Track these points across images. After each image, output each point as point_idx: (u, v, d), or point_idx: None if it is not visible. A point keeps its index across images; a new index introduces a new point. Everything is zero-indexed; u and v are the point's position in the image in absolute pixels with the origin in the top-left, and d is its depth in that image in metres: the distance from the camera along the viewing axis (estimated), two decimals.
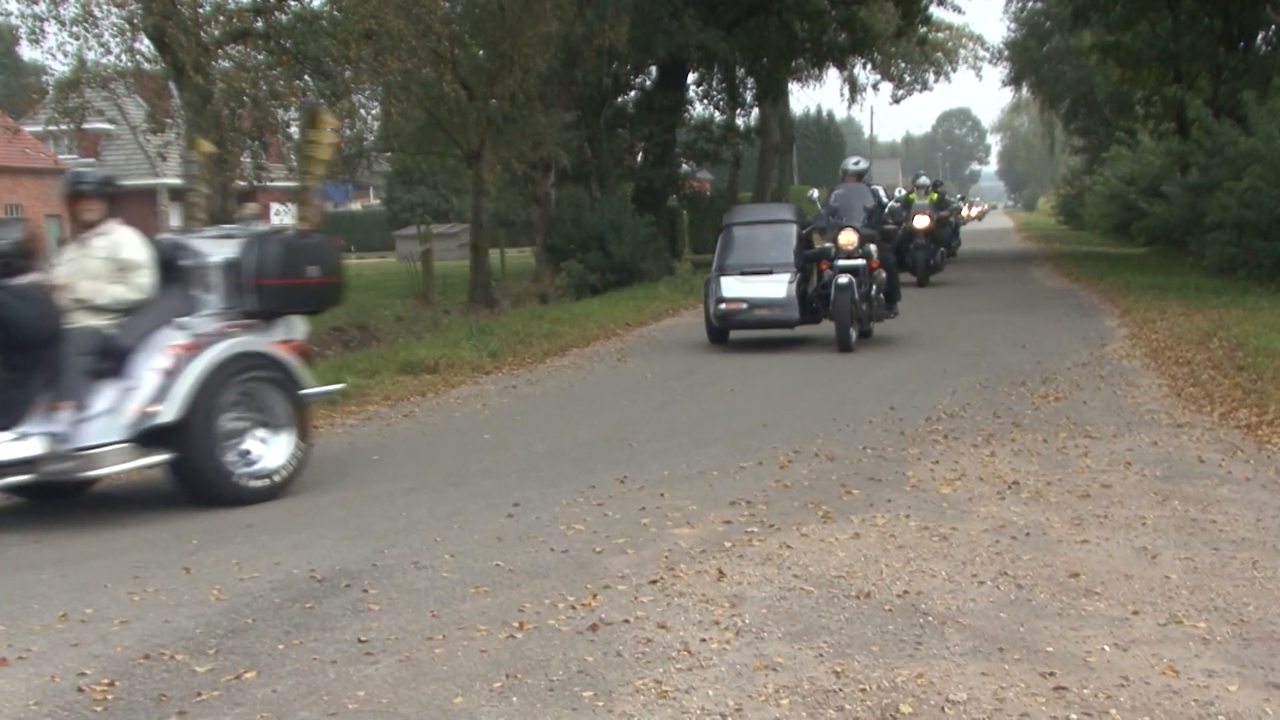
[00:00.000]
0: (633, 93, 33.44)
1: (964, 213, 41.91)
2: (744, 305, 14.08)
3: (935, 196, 24.26)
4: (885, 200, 15.12)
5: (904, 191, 23.44)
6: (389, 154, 34.41)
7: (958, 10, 49.97)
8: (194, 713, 4.06)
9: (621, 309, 20.02)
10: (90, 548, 6.34)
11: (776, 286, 14.03)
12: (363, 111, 20.69)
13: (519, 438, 9.24)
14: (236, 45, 16.18)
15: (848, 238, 13.63)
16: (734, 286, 14.17)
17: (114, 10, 15.68)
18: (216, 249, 7.75)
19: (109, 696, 4.22)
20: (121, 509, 7.28)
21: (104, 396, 6.94)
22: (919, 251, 22.55)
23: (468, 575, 5.54)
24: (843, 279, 13.40)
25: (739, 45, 33.39)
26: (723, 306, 14.17)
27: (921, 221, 22.47)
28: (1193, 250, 24.92)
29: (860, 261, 13.69)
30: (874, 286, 14.17)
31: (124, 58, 16.21)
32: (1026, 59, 52.01)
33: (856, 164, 15.20)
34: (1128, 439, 8.36)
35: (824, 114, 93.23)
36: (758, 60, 36.42)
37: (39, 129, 39.65)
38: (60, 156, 50.18)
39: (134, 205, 55.69)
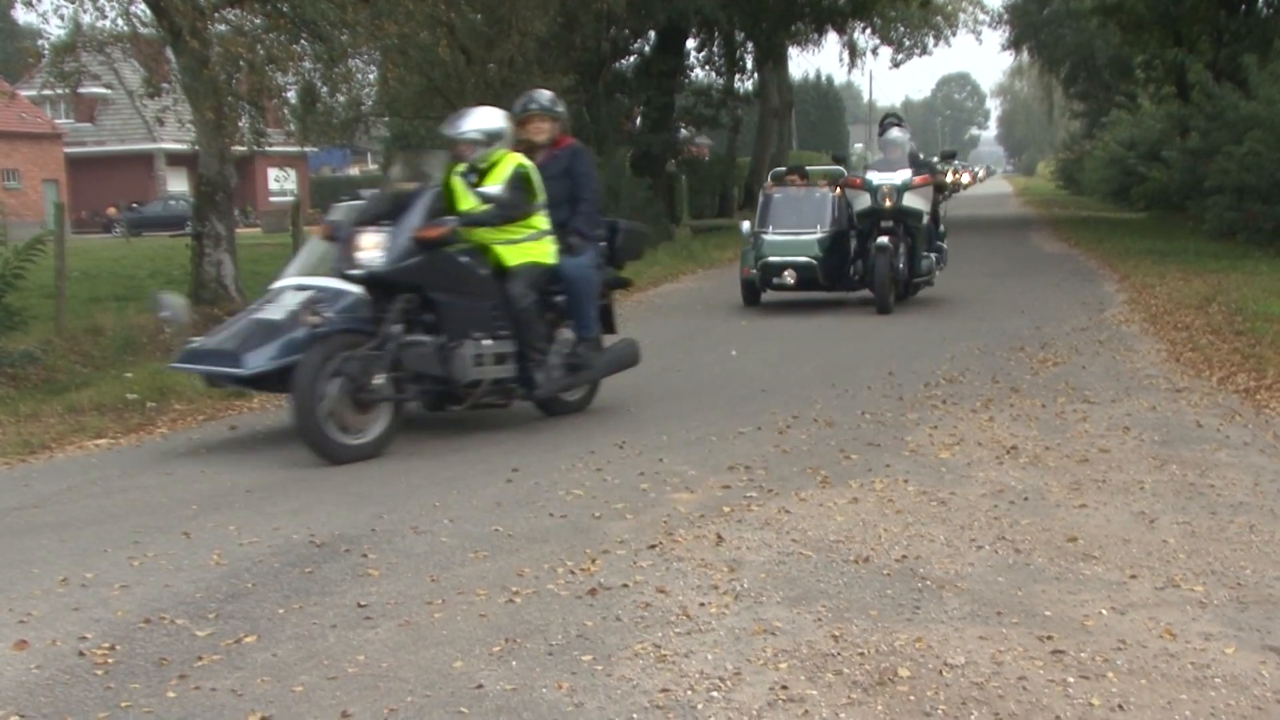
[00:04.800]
0: (631, 57, 33.31)
1: (950, 178, 30.35)
2: None
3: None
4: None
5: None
6: (386, 119, 34.22)
7: None
8: (194, 676, 4.07)
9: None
10: (89, 513, 6.34)
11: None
12: (360, 76, 20.54)
13: (516, 403, 9.23)
14: (233, 9, 16.03)
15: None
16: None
17: None
18: None
19: (110, 660, 4.23)
20: (119, 475, 7.28)
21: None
22: None
23: (467, 540, 5.54)
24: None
25: (738, 10, 33.22)
26: None
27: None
28: (1192, 215, 24.91)
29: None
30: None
31: (120, 22, 16.09)
32: (1026, 22, 51.76)
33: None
34: (1126, 404, 8.37)
35: (823, 79, 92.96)
36: (757, 25, 36.23)
37: (35, 93, 39.45)
38: (56, 121, 50.06)
39: (131, 170, 55.51)
